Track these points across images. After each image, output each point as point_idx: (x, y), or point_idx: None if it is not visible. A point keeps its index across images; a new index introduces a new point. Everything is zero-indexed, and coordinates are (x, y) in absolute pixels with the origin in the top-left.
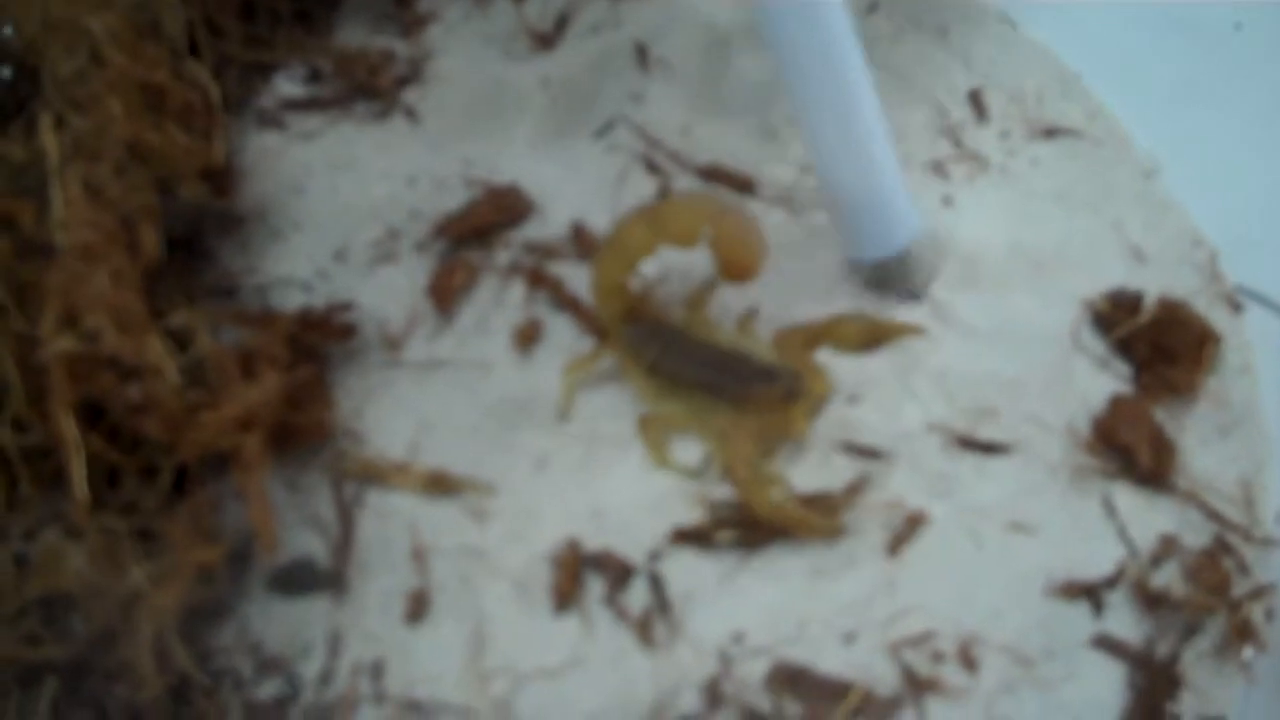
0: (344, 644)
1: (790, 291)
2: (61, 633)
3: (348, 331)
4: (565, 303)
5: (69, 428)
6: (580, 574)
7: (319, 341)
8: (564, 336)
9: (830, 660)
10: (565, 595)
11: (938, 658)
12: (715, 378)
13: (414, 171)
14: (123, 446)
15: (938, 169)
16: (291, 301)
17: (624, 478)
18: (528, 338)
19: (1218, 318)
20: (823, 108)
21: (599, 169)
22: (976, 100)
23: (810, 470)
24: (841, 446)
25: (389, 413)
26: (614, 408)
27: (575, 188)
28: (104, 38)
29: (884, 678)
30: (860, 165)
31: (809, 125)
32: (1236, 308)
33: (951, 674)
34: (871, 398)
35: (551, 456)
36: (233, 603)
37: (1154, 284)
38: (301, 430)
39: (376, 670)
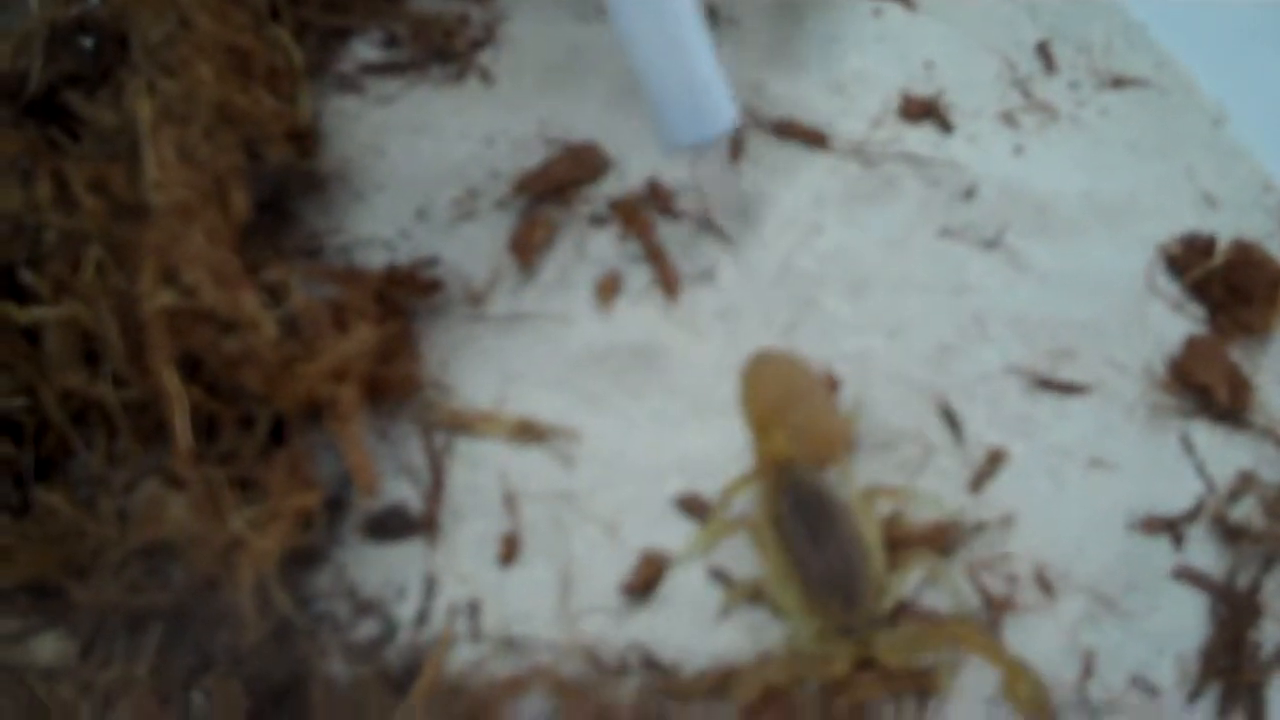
0: (439, 586)
1: (866, 241)
2: (164, 580)
3: (433, 286)
4: (651, 251)
5: (172, 380)
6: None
7: (405, 297)
8: (644, 288)
9: None
10: (641, 587)
11: (1013, 581)
12: (808, 564)
13: (491, 132)
14: (221, 398)
15: (1008, 119)
16: (376, 260)
17: (710, 427)
18: (609, 290)
19: None
20: None
21: None
22: (1044, 52)
23: (888, 412)
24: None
25: (475, 365)
26: (703, 362)
27: (651, 144)
28: (191, 3)
29: (968, 600)
30: (672, 47)
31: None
32: None
33: (1029, 598)
34: (959, 353)
35: (637, 405)
36: (329, 549)
37: (1226, 228)
38: (391, 383)
39: (472, 610)
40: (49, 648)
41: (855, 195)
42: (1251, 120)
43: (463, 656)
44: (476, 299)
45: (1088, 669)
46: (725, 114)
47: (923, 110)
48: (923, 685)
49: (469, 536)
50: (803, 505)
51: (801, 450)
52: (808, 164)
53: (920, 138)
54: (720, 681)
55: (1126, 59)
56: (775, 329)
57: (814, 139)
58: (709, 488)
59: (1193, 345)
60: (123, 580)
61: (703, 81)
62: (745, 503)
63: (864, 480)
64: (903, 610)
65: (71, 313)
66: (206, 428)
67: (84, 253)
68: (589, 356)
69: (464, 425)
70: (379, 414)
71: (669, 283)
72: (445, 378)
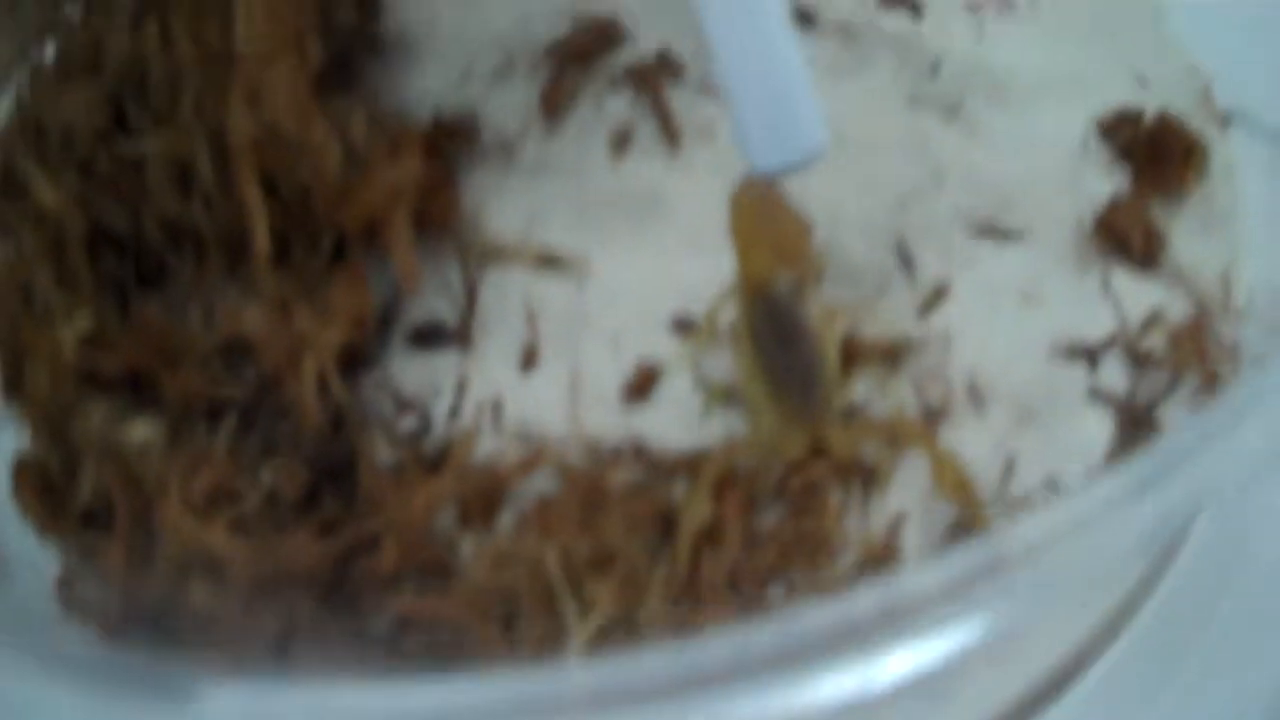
0: (468, 388)
1: (844, 107)
2: (239, 375)
3: (472, 135)
4: (659, 111)
5: (254, 197)
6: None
7: (447, 144)
8: (652, 143)
9: None
10: (637, 391)
11: (949, 392)
12: (775, 364)
13: (529, 9)
14: (293, 219)
15: (972, 7)
16: (424, 113)
17: (705, 260)
18: (622, 143)
19: (1208, 132)
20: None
21: (681, 5)
22: None
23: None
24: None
25: (504, 205)
26: (700, 206)
27: (664, 17)
28: None
29: (909, 408)
30: (763, 61)
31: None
32: (1224, 125)
33: (962, 408)
34: (920, 200)
35: (640, 242)
36: (378, 355)
37: (1154, 104)
38: (434, 214)
39: (495, 408)
40: (141, 429)
41: (836, 69)
42: (1186, 14)
43: (486, 446)
44: (508, 148)
45: (1008, 470)
46: (814, 137)
47: None
48: (868, 474)
49: (495, 347)
50: (774, 316)
51: (776, 262)
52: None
53: (894, 21)
54: (697, 461)
55: None
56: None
57: (803, 17)
58: (699, 310)
59: (1116, 200)
60: (205, 374)
61: (794, 101)
62: (728, 320)
63: (828, 303)
64: (853, 412)
65: (169, 143)
66: (280, 249)
67: (182, 91)
68: (602, 200)
69: (494, 255)
70: (423, 243)
71: (673, 137)
72: (480, 215)
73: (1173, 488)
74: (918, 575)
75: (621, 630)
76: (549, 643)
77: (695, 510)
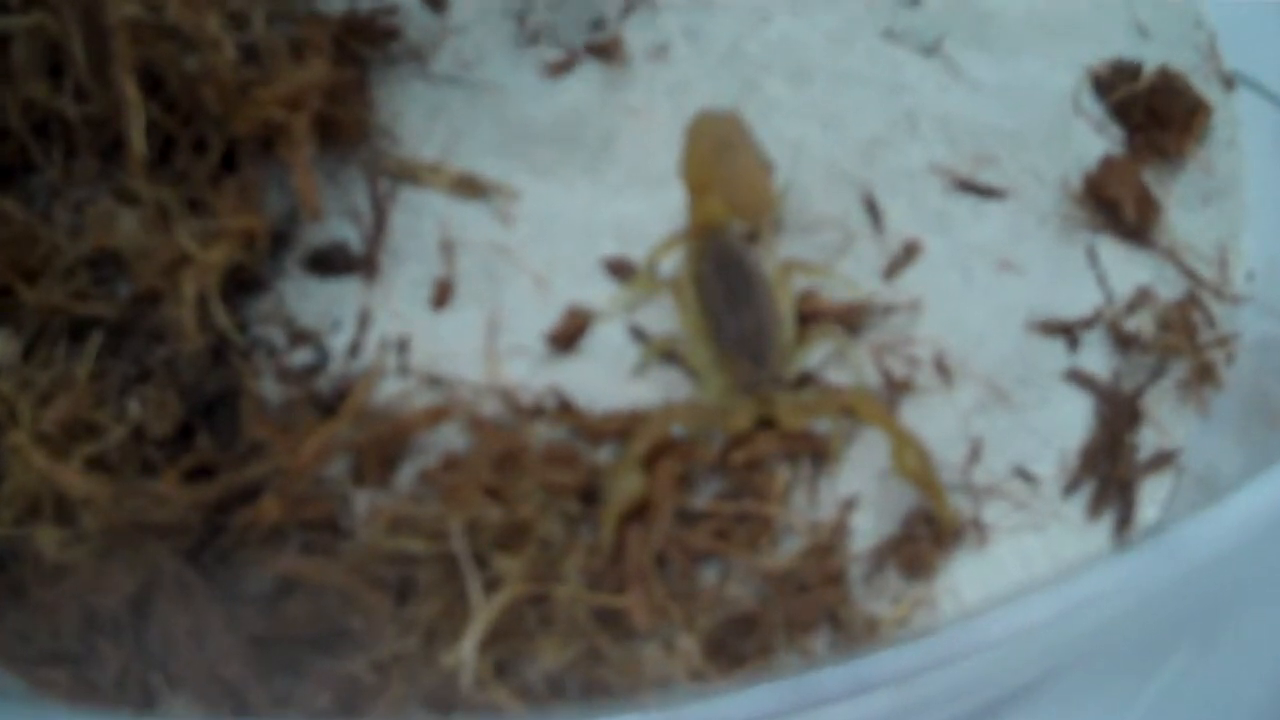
0: (372, 322)
1: (812, 34)
2: (109, 291)
3: (390, 34)
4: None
5: (131, 89)
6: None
7: (362, 45)
8: (598, 62)
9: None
10: (564, 339)
11: (914, 364)
12: (723, 324)
13: None
14: (178, 118)
15: None
16: (336, 7)
17: (648, 195)
18: (564, 64)
19: (1211, 93)
20: None
21: None
22: None
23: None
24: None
25: (424, 120)
26: (648, 134)
27: None
28: None
29: (869, 378)
30: None
31: None
32: (1229, 85)
33: (928, 382)
34: (887, 148)
35: (576, 173)
36: (271, 279)
37: (1154, 57)
38: (342, 126)
39: (401, 347)
40: None
41: None
42: None
43: (389, 389)
44: (429, 55)
45: (975, 454)
46: None
47: None
48: (818, 449)
49: (405, 278)
50: (725, 268)
51: (731, 207)
52: None
53: None
54: (628, 424)
55: None
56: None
57: None
58: (639, 252)
59: (1108, 163)
60: (70, 287)
61: None
62: (672, 266)
63: (786, 256)
64: (807, 380)
65: (38, 22)
66: (162, 149)
67: None
68: (537, 122)
69: (409, 174)
70: (328, 156)
71: (617, 56)
72: (395, 129)
73: None
74: None
75: (534, 610)
76: (448, 621)
77: (623, 482)
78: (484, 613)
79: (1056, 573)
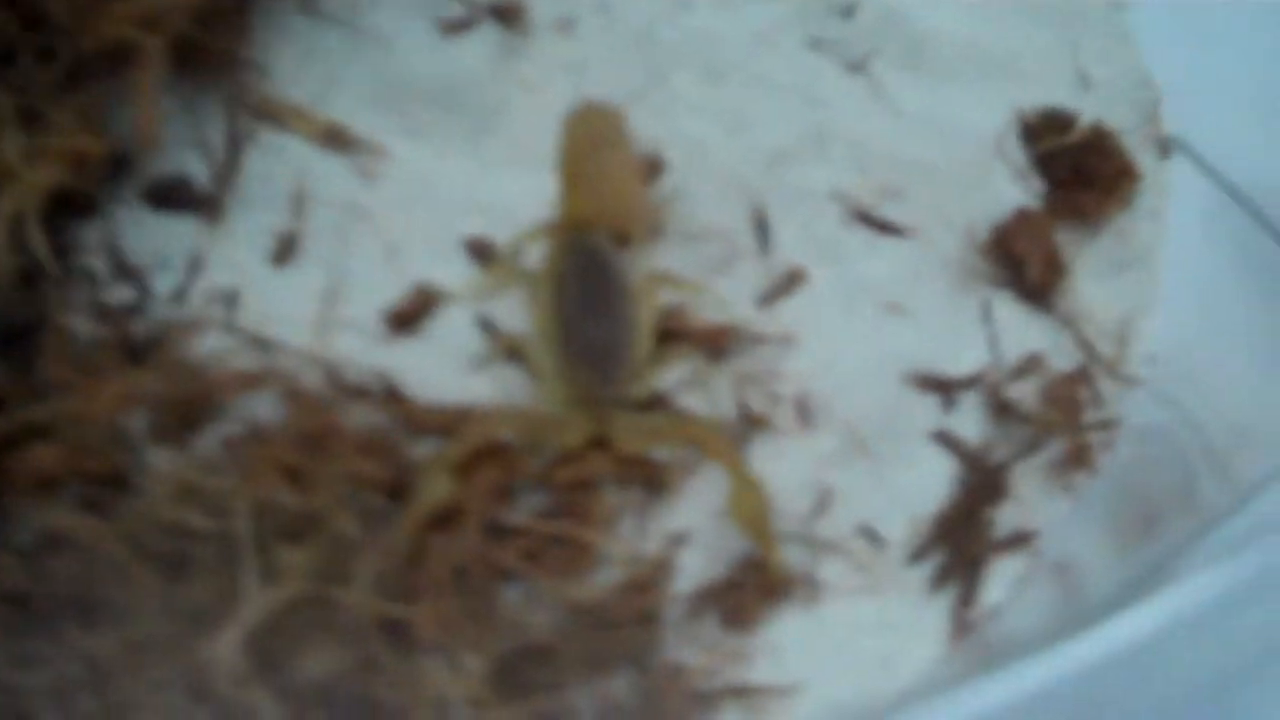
0: (204, 268)
1: (734, 30)
2: None
3: None
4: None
5: None
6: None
7: None
8: (494, 26)
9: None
10: (405, 318)
11: (775, 401)
12: (574, 330)
13: None
14: (23, 22)
15: None
16: None
17: (526, 177)
18: (456, 26)
19: (1144, 158)
20: None
21: None
22: None
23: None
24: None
25: (300, 61)
26: (538, 111)
27: None
28: None
29: (725, 409)
30: None
31: None
32: (1165, 152)
33: (786, 423)
34: (791, 164)
35: (453, 141)
36: (103, 206)
37: (1092, 111)
38: (209, 54)
39: (230, 300)
40: None
41: None
42: (1152, 12)
43: (210, 344)
44: None
45: (822, 505)
46: None
47: None
48: (653, 478)
49: (248, 226)
50: (587, 270)
51: (600, 211)
52: None
53: None
54: (454, 421)
55: None
56: (620, 94)
57: None
58: (506, 237)
59: (1022, 216)
60: None
61: None
62: (534, 258)
63: (660, 266)
64: (657, 402)
65: None
66: (3, 53)
67: None
68: (421, 81)
69: (272, 114)
70: (189, 83)
71: (519, 23)
72: (266, 64)
73: None
74: None
75: (313, 609)
76: (217, 608)
77: (433, 484)
78: (254, 605)
79: None
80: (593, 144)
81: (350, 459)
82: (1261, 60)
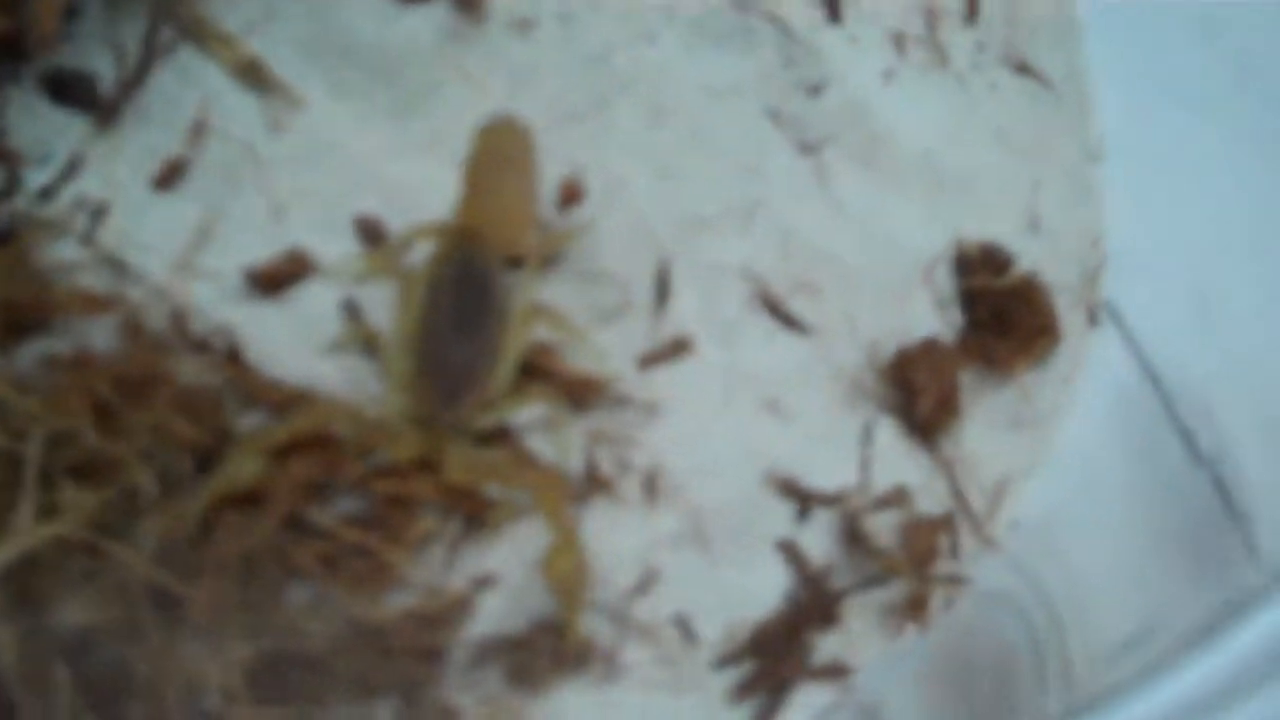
0: (82, 172)
1: (691, 76)
2: None
3: None
4: None
5: None
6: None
7: None
8: (445, 17)
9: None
10: (270, 280)
11: (624, 468)
12: (434, 341)
13: None
14: None
15: (899, 42)
16: None
17: (439, 168)
18: None
19: (1071, 321)
20: None
21: None
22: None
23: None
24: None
25: None
26: (470, 106)
27: None
28: None
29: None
30: None
31: None
32: (1093, 321)
33: (630, 493)
34: (711, 231)
35: (375, 112)
36: None
37: (1031, 258)
38: None
39: (98, 213)
40: None
41: (705, 27)
42: (1124, 170)
43: (62, 254)
44: None
45: (643, 586)
46: None
47: None
48: (475, 513)
49: (139, 143)
50: (465, 283)
51: (490, 226)
52: None
53: (803, 10)
54: (289, 400)
55: (1045, 51)
56: (555, 111)
57: None
58: (400, 224)
59: (929, 347)
60: None
61: None
62: (420, 255)
63: (547, 298)
64: (501, 436)
65: None
66: None
67: None
68: (361, 41)
69: (196, 34)
70: None
71: (476, 10)
72: None
73: None
74: None
75: (85, 559)
76: None
77: (243, 461)
78: (22, 537)
79: None
80: (497, 158)
81: (168, 413)
82: (1219, 252)
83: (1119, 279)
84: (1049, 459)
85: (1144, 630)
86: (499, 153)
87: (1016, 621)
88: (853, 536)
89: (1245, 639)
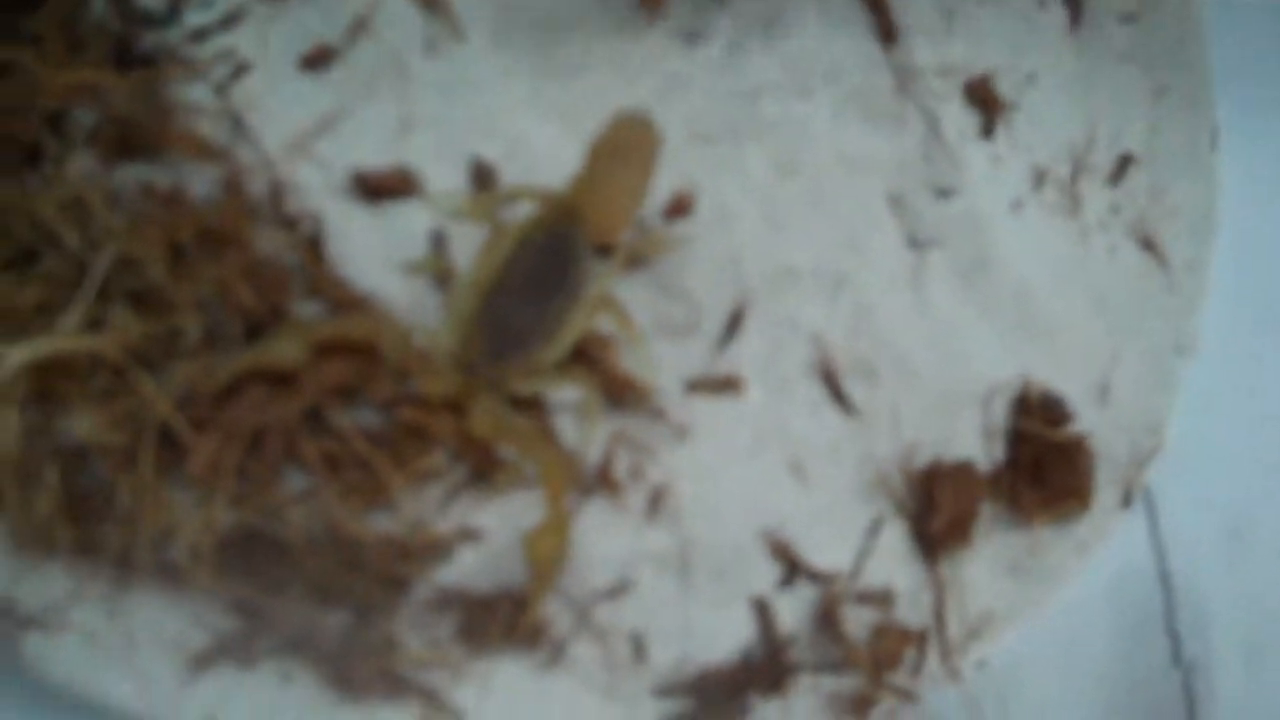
0: (238, 27)
1: (824, 140)
2: None
3: None
4: None
5: None
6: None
7: None
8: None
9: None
10: (375, 187)
11: (635, 477)
12: (502, 296)
13: None
14: None
15: (1038, 176)
16: None
17: (568, 128)
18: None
19: (1106, 494)
20: None
21: None
22: (1123, 164)
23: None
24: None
25: None
26: (624, 91)
27: None
28: None
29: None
30: None
31: None
32: (1127, 503)
33: (635, 502)
34: (797, 288)
35: (525, 69)
36: None
37: (1089, 421)
38: None
39: (239, 70)
40: None
41: (861, 100)
42: (1209, 374)
43: (192, 96)
44: None
45: (613, 593)
46: None
47: (985, 97)
48: (484, 468)
49: (300, 19)
50: (550, 253)
51: (594, 210)
52: None
53: (960, 116)
54: (348, 303)
55: (1177, 234)
56: (691, 128)
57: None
58: (513, 177)
59: (962, 470)
60: None
61: None
62: (520, 213)
63: (620, 295)
64: (531, 406)
65: None
66: None
67: None
68: (539, 4)
69: None
70: None
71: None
72: None
73: None
74: None
75: (109, 380)
76: (23, 319)
77: (284, 344)
78: (59, 339)
79: None
80: (621, 149)
81: (235, 276)
82: (1264, 476)
83: (1166, 472)
84: (1037, 615)
85: None
86: (625, 145)
87: None
88: (826, 618)
89: None
